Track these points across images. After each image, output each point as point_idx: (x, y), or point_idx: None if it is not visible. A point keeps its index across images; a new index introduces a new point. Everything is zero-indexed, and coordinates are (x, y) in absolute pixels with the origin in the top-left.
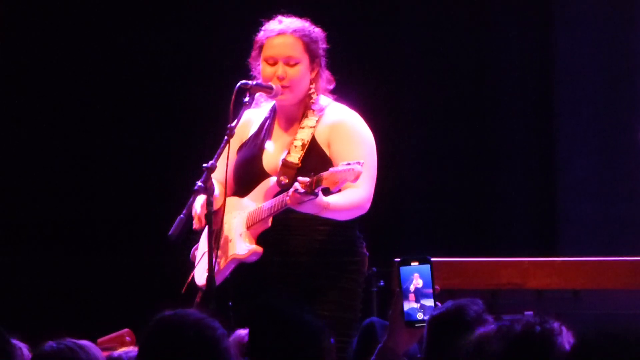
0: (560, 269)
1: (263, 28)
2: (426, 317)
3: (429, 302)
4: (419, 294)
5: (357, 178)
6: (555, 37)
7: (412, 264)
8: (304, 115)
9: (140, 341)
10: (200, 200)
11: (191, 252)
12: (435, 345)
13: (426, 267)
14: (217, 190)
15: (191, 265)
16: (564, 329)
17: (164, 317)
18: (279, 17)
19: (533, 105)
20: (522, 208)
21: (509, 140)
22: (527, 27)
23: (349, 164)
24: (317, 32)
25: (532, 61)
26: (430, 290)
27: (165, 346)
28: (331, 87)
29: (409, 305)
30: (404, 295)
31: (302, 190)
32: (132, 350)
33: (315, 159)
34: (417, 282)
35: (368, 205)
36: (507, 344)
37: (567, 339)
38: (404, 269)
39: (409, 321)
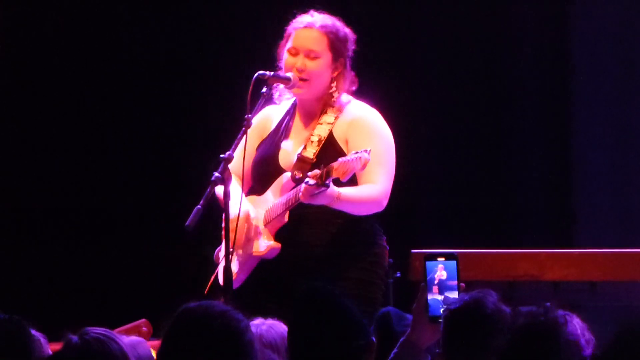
0: (577, 261)
1: (294, 20)
2: None
3: (453, 295)
4: (442, 286)
5: (364, 166)
6: (572, 30)
7: (439, 259)
8: (323, 112)
9: (164, 331)
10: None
11: (215, 254)
12: (454, 340)
13: (452, 263)
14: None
15: (214, 266)
16: (572, 317)
17: (188, 308)
18: (312, 12)
19: (549, 97)
20: (539, 200)
21: (526, 132)
22: (543, 18)
23: (357, 152)
24: (346, 32)
25: (548, 53)
26: (455, 283)
27: (189, 337)
28: (353, 88)
29: (433, 296)
30: (427, 287)
31: (312, 182)
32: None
33: (331, 155)
34: (440, 274)
35: (385, 202)
36: (512, 337)
37: (576, 326)
38: (429, 263)
39: (432, 316)
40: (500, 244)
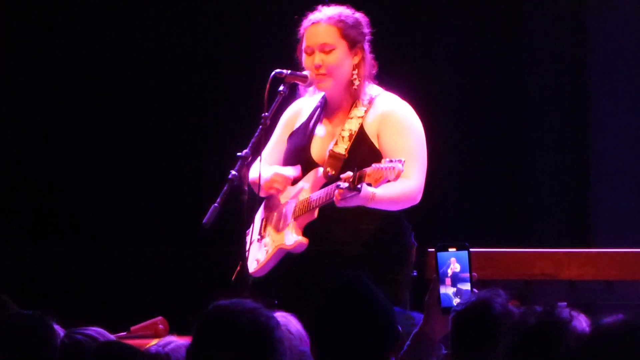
0: (594, 260)
1: (304, 20)
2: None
3: (466, 287)
4: (455, 279)
5: (397, 177)
6: (590, 28)
7: (450, 249)
8: (353, 105)
9: (194, 328)
10: (268, 172)
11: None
12: (461, 340)
13: (464, 254)
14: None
15: (239, 250)
16: (577, 314)
17: (219, 305)
18: (319, 7)
19: (567, 96)
20: (556, 199)
21: (544, 131)
22: (561, 16)
23: (391, 161)
24: (356, 17)
25: (567, 51)
26: (468, 275)
27: (220, 333)
28: (374, 71)
29: (446, 289)
30: (440, 280)
31: (344, 186)
32: (170, 340)
33: (363, 150)
34: (454, 267)
35: (419, 197)
36: (519, 337)
37: (581, 322)
38: (441, 255)
39: (445, 308)
40: (516, 243)
